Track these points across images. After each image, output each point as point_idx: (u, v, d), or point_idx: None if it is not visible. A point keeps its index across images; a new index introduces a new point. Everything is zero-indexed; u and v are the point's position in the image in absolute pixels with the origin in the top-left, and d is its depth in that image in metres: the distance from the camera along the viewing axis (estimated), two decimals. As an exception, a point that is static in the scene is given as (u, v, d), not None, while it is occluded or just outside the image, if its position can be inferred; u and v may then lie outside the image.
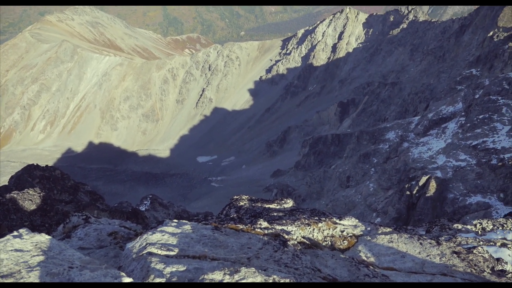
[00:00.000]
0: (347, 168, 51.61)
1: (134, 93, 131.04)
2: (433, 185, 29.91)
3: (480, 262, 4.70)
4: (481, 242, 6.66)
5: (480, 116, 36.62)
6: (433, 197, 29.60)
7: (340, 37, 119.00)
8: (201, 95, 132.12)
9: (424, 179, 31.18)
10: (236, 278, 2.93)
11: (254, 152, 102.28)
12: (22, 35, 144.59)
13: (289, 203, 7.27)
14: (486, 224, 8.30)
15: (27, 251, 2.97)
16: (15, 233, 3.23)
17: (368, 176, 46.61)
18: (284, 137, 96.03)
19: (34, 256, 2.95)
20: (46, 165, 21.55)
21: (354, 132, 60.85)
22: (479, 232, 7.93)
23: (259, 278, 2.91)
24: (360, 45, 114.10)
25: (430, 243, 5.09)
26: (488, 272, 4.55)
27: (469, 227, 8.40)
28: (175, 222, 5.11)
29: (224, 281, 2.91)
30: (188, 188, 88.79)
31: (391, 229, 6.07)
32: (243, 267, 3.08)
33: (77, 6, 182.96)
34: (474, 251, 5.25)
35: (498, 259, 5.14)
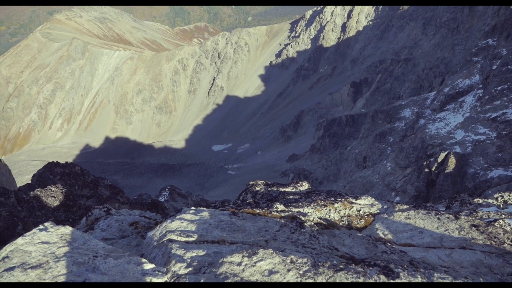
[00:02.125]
0: (363, 149, 51.23)
1: (146, 86, 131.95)
2: (452, 161, 29.48)
3: (500, 234, 4.67)
4: (503, 215, 6.59)
5: (499, 88, 35.64)
6: (453, 173, 29.21)
7: (349, 16, 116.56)
8: (212, 84, 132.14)
9: (442, 155, 30.72)
10: (254, 259, 3.00)
11: (269, 138, 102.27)
12: (33, 35, 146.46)
13: (304, 186, 7.32)
14: (508, 197, 8.18)
15: (53, 243, 3.11)
16: (40, 226, 3.37)
17: (385, 155, 46.20)
18: (298, 121, 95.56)
19: (60, 247, 3.08)
20: (66, 162, 22.07)
21: (369, 112, 60.11)
22: (501, 206, 7.83)
23: (276, 259, 2.98)
24: (370, 22, 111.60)
25: (448, 218, 5.08)
26: (509, 244, 4.53)
27: (490, 201, 8.30)
28: (193, 210, 5.21)
29: (243, 263, 2.98)
30: (205, 177, 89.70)
31: (408, 206, 6.06)
32: (261, 249, 3.15)
33: (82, 6, 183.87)
34: (495, 224, 5.21)
35: (520, 231, 5.08)
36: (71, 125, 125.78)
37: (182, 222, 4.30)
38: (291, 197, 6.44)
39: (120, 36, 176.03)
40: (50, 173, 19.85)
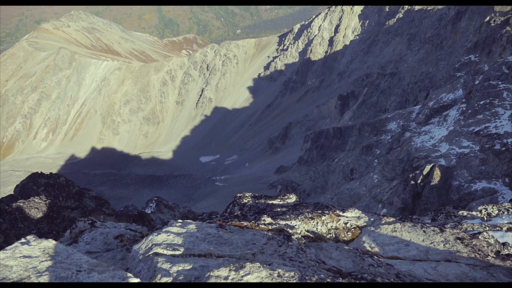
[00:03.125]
0: (350, 161, 51.59)
1: (134, 97, 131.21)
2: (437, 173, 29.90)
3: (484, 247, 4.73)
4: (487, 228, 6.67)
5: (481, 102, 36.50)
6: (438, 185, 29.60)
7: (336, 30, 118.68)
8: (200, 95, 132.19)
9: (428, 167, 31.15)
10: (241, 273, 2.97)
11: (257, 150, 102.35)
12: (20, 44, 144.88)
13: (292, 198, 7.32)
14: (492, 210, 8.30)
15: (35, 257, 3.03)
16: (22, 240, 3.28)
17: (371, 167, 46.60)
18: (286, 133, 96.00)
19: (42, 261, 3.01)
20: (50, 173, 21.66)
21: (356, 125, 60.75)
22: (485, 218, 7.93)
23: (264, 273, 2.96)
24: (357, 37, 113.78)
25: (434, 231, 5.13)
26: (492, 257, 4.58)
27: (474, 213, 8.41)
28: (180, 222, 5.16)
29: (230, 277, 2.95)
30: (193, 188, 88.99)
31: (394, 219, 6.11)
32: (248, 263, 3.12)
33: (72, 12, 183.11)
34: (479, 237, 5.28)
35: (504, 244, 5.16)
36: (57, 135, 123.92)
37: (169, 235, 4.25)
38: (278, 209, 6.43)
39: (108, 47, 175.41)
40: (33, 184, 19.44)
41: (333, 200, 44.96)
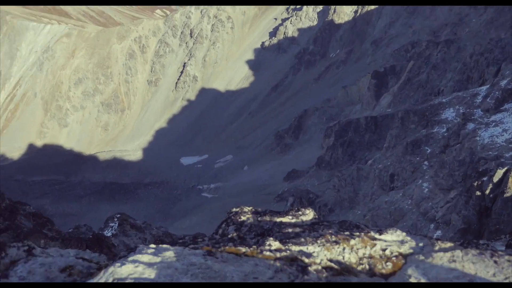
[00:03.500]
0: (390, 163, 51.61)
1: (89, 74, 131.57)
2: None
3: None
4: None
5: None
6: None
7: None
8: (181, 72, 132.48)
9: (500, 172, 31.07)
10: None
11: (259, 148, 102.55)
12: None
13: (309, 215, 7.28)
14: None
15: None
16: None
17: (420, 172, 46.63)
18: (300, 124, 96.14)
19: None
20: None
21: (397, 113, 60.71)
22: None
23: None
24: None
25: (510, 261, 5.09)
26: None
27: None
28: (153, 249, 5.16)
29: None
30: (170, 202, 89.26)
31: (452, 244, 6.07)
32: (247, 305, 3.09)
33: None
34: None
35: None
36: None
37: (137, 267, 4.23)
38: (290, 230, 6.40)
39: (53, 5, 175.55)
40: (-52, 195, 19.47)
41: (366, 218, 44.98)
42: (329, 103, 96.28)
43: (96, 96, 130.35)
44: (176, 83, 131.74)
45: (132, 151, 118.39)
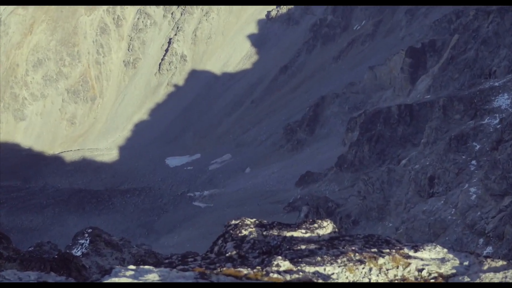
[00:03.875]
0: (429, 163, 51.51)
1: (51, 54, 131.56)
2: None
3: None
4: None
5: None
6: None
7: None
8: (166, 50, 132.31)
9: None
10: None
11: (265, 145, 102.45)
12: None
13: (327, 228, 7.33)
14: None
15: None
16: None
17: (466, 174, 46.53)
18: (316, 115, 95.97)
19: None
20: None
21: (438, 100, 60.53)
22: None
23: None
24: None
25: None
26: None
27: None
28: (132, 270, 5.22)
29: None
30: (154, 213, 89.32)
31: (505, 263, 6.12)
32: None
33: None
34: None
35: None
36: None
37: (113, 293, 4.30)
38: (303, 247, 6.46)
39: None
40: None
41: (399, 232, 44.98)
42: (352, 88, 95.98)
43: (60, 82, 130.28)
44: (160, 64, 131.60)
45: (106, 150, 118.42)
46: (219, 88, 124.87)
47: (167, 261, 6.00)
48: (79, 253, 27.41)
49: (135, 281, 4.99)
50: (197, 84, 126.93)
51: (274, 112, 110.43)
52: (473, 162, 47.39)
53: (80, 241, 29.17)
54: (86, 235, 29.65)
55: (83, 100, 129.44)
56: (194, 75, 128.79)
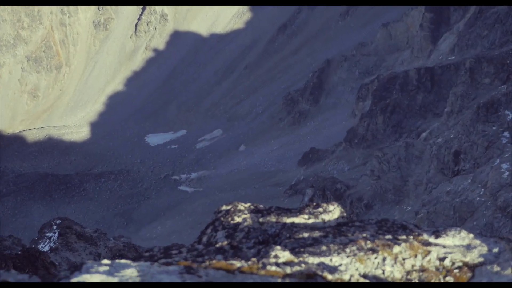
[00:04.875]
0: (454, 136, 51.56)
1: (6, 15, 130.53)
2: None
3: None
4: None
5: None
6: None
7: None
8: (143, 9, 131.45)
9: None
10: None
11: (261, 118, 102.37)
12: None
13: (333, 212, 7.30)
14: None
15: None
16: None
17: (497, 148, 46.60)
18: (320, 82, 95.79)
19: None
20: None
21: (464, 61, 60.45)
22: None
23: None
24: None
25: None
26: None
27: None
28: (106, 265, 5.23)
29: None
30: (134, 200, 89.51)
31: (541, 249, 6.14)
32: None
33: None
34: None
35: None
36: None
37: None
38: (305, 234, 6.46)
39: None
40: None
41: (419, 217, 45.17)
42: (363, 50, 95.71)
43: (19, 48, 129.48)
44: (136, 25, 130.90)
45: (75, 128, 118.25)
46: (206, 53, 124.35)
47: (147, 254, 6.00)
48: (46, 248, 27.53)
49: (110, 277, 5.00)
50: (181, 48, 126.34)
51: (271, 79, 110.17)
52: (505, 133, 47.42)
53: (48, 234, 29.27)
54: (55, 227, 29.76)
55: (46, 69, 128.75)
56: (177, 37, 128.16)
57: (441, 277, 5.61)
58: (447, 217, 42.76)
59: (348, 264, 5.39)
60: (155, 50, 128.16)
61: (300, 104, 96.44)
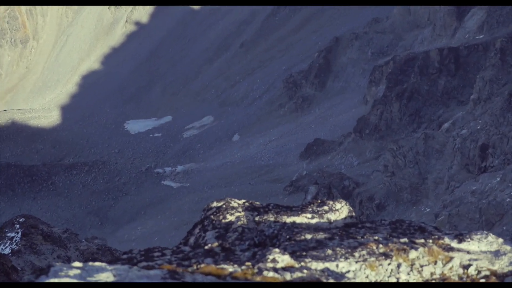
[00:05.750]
0: (481, 127, 51.54)
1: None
2: None
3: None
4: None
5: None
6: None
7: None
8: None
9: None
10: None
11: (259, 103, 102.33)
12: None
13: (340, 211, 7.31)
14: None
15: None
16: None
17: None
18: (327, 62, 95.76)
19: None
20: None
21: (494, 41, 60.42)
22: None
23: None
24: None
25: None
26: None
27: None
28: (77, 268, 5.24)
29: None
30: (110, 196, 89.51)
31: None
32: None
33: None
34: None
35: None
36: None
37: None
38: (308, 236, 6.47)
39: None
40: None
41: (440, 220, 45.20)
42: (377, 27, 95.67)
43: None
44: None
45: (43, 112, 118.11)
46: (196, 27, 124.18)
47: (125, 256, 6.01)
48: (7, 251, 27.54)
49: (82, 282, 5.03)
50: (167, 21, 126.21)
51: (271, 59, 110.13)
52: (540, 125, 47.53)
53: (9, 234, 29.27)
54: (17, 226, 29.75)
55: (10, 43, 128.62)
56: (163, 9, 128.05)
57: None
58: (472, 221, 42.76)
59: (357, 270, 5.38)
60: (137, 23, 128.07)
61: (304, 88, 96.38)
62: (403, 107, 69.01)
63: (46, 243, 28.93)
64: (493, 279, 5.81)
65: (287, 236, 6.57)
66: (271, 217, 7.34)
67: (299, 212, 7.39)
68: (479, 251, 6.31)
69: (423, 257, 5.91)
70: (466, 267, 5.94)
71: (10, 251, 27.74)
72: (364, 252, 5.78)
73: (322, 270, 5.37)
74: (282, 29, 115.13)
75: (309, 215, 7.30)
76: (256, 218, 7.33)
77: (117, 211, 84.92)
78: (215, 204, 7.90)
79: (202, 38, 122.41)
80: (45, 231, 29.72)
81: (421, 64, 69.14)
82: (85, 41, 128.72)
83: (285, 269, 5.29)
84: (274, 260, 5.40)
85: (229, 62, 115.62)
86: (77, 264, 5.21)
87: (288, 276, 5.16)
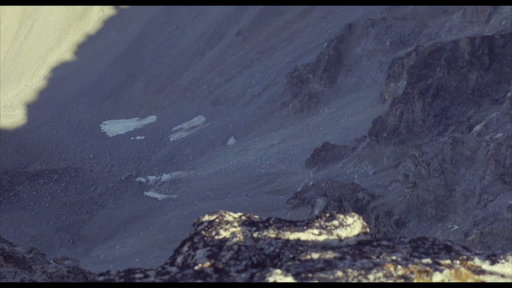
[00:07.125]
0: (517, 131, 51.56)
1: None
2: None
3: None
4: None
5: None
6: None
7: None
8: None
9: None
10: None
11: (258, 101, 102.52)
12: None
13: (352, 226, 7.33)
14: None
15: None
16: None
17: None
18: (338, 54, 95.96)
19: None
20: None
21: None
22: None
23: None
24: None
25: None
26: None
27: None
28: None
29: None
30: (83, 210, 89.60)
31: None
32: None
33: None
34: None
35: None
36: None
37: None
38: (314, 256, 6.51)
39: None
40: None
41: (470, 239, 45.24)
42: (396, 12, 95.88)
43: None
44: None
45: (5, 110, 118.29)
46: (185, 13, 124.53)
47: (101, 278, 6.04)
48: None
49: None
50: (149, 7, 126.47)
51: (272, 50, 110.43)
52: None
53: (-34, 253, 29.37)
54: (-24, 243, 29.86)
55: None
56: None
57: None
58: (508, 241, 42.76)
59: (372, 295, 5.40)
60: (116, 8, 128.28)
61: (311, 84, 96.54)
62: (427, 106, 68.94)
63: (7, 264, 28.96)
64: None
65: (291, 255, 6.60)
66: (271, 233, 7.36)
67: (305, 228, 7.42)
68: (512, 274, 6.33)
69: (449, 280, 5.93)
70: (498, 291, 5.97)
71: (-35, 273, 27.80)
72: (379, 274, 5.80)
73: (332, 296, 5.39)
74: (285, 14, 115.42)
75: (316, 231, 7.32)
76: (255, 235, 7.36)
77: (91, 227, 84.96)
78: (206, 217, 7.92)
79: (191, 26, 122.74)
80: (7, 250, 29.74)
81: (449, 56, 69.15)
82: (54, 28, 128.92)
83: (288, 293, 5.32)
84: (275, 281, 5.44)
85: (224, 54, 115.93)
86: None
87: (291, 302, 5.18)
